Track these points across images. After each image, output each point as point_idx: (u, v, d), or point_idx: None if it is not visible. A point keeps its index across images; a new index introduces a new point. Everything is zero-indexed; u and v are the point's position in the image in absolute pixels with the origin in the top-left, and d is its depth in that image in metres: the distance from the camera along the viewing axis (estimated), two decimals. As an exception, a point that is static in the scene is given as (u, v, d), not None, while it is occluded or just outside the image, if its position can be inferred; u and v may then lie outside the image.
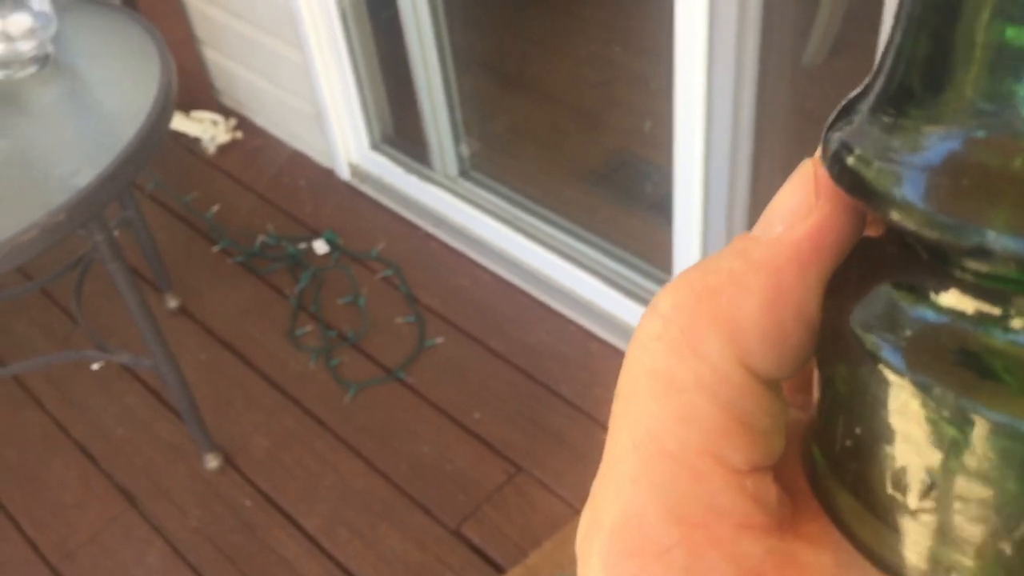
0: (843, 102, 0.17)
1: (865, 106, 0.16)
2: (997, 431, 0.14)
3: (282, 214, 1.96)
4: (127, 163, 1.10)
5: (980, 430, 0.14)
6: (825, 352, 0.17)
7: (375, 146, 1.94)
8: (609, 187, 1.83)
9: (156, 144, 1.18)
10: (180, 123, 2.10)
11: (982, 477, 0.14)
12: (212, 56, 2.14)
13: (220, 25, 2.03)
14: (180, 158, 2.12)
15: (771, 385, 0.17)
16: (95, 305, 1.71)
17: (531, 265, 1.72)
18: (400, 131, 1.96)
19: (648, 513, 0.16)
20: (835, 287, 0.16)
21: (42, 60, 1.31)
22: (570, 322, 1.66)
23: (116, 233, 1.23)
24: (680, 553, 0.16)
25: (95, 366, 1.69)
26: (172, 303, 1.78)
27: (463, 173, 1.84)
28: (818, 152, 0.17)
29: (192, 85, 2.13)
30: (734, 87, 1.30)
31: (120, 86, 1.26)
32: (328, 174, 2.02)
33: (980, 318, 0.14)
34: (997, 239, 0.13)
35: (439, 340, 1.68)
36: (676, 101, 1.35)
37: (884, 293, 0.15)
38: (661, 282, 1.57)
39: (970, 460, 0.14)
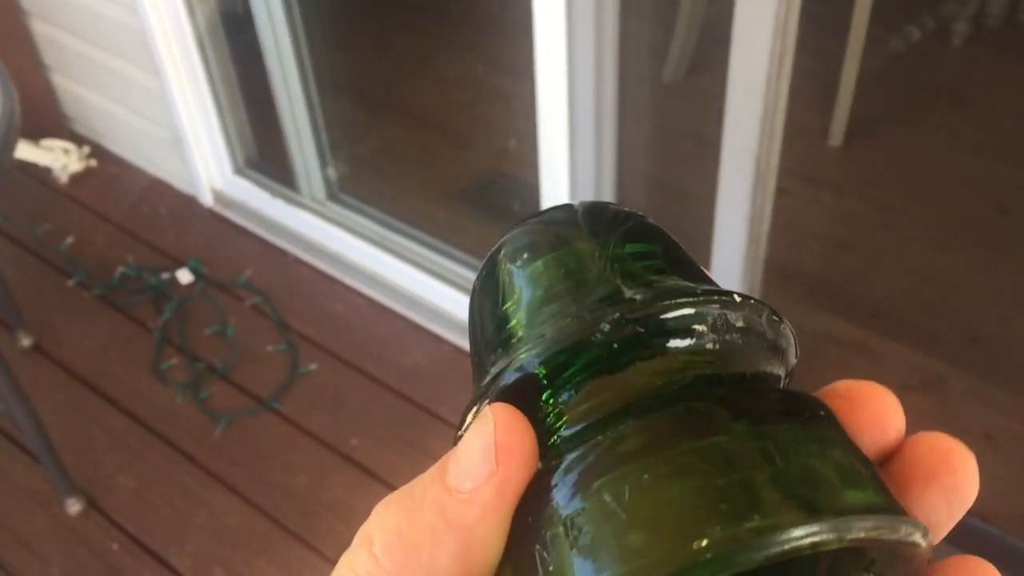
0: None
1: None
2: None
3: (142, 244, 1.89)
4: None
5: None
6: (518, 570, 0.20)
7: (239, 171, 1.90)
8: (479, 206, 1.84)
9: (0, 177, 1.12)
10: (29, 152, 2.00)
11: None
12: (62, 83, 2.05)
13: (69, 51, 1.95)
14: (30, 189, 2.01)
15: None
16: (-61, 348, 1.61)
17: (404, 287, 1.71)
18: (265, 155, 1.91)
19: None
20: (517, 521, 0.20)
21: None
22: (445, 342, 1.66)
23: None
24: None
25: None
26: (25, 342, 1.69)
27: (331, 196, 1.82)
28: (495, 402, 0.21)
29: (41, 113, 2.03)
30: (595, 104, 1.32)
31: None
32: (190, 201, 1.96)
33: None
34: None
35: (313, 367, 1.64)
36: (540, 119, 1.36)
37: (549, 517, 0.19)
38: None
39: None
